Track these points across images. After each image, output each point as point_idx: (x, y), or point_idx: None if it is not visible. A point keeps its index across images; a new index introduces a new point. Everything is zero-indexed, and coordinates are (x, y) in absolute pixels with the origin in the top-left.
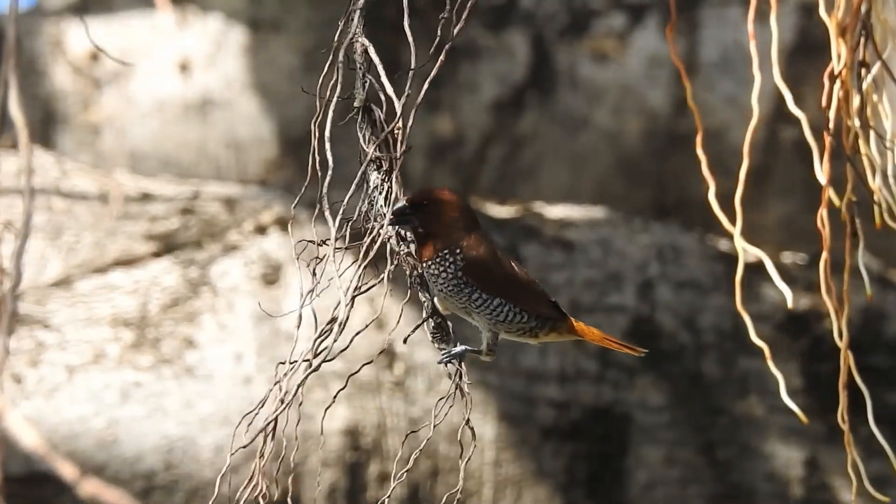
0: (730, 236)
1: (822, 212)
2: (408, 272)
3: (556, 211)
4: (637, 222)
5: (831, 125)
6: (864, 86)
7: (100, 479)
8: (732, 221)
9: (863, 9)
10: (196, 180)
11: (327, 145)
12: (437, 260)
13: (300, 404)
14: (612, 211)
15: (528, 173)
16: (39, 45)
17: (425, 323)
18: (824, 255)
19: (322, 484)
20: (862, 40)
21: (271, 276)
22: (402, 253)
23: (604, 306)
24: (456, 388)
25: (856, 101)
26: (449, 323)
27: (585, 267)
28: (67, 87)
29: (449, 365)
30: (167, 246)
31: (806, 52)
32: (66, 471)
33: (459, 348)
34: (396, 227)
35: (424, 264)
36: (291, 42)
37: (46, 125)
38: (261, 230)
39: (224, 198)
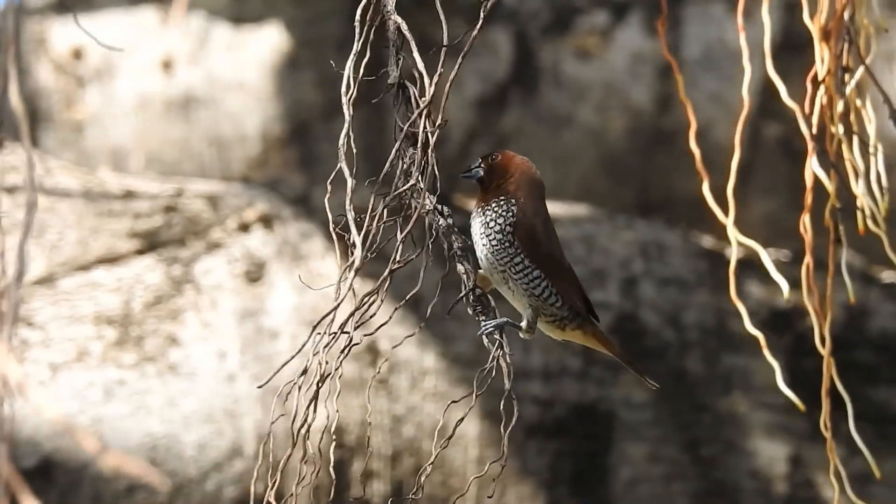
0: (714, 233)
1: (805, 218)
2: (446, 246)
3: None
4: (621, 219)
5: (814, 130)
6: (848, 91)
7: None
8: (720, 216)
9: (846, 14)
10: (179, 178)
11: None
12: (493, 206)
13: (340, 376)
14: (595, 208)
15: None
16: (22, 43)
17: (465, 297)
18: (807, 260)
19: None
20: (845, 45)
21: (255, 274)
22: (440, 226)
23: None
24: (496, 361)
25: (839, 106)
26: (489, 296)
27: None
28: (50, 84)
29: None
30: (150, 244)
31: (789, 50)
32: (88, 444)
33: (500, 320)
34: (464, 176)
35: (480, 210)
36: (275, 39)
37: (29, 123)
38: (244, 228)
39: (207, 195)
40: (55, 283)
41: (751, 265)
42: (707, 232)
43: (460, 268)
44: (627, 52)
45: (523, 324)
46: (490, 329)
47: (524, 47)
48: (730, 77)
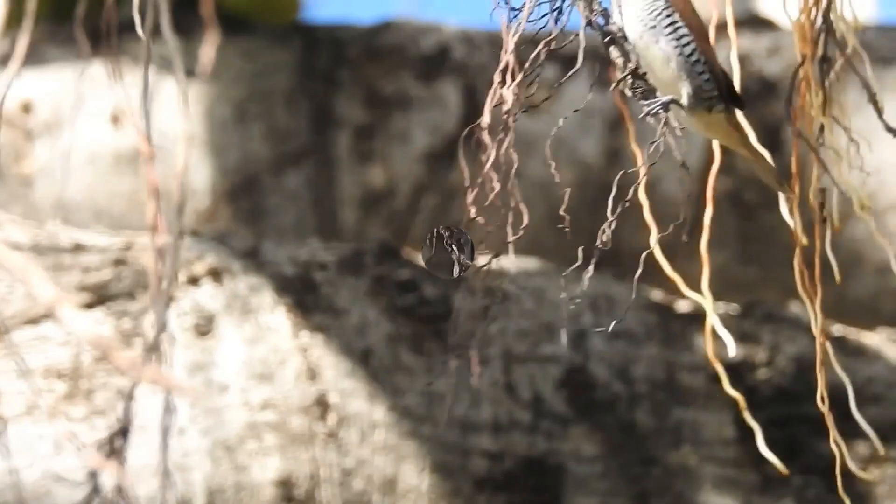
0: (663, 286)
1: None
2: (600, 33)
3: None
4: (569, 273)
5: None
6: (827, 83)
7: None
8: (669, 271)
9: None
10: (129, 231)
11: None
12: None
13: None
14: (544, 261)
15: (461, 224)
16: None
17: (624, 80)
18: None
19: None
20: (822, 36)
21: (204, 328)
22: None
23: (537, 356)
24: (663, 137)
25: (818, 98)
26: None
27: (518, 317)
28: None
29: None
30: (100, 297)
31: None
32: None
33: (664, 98)
34: None
35: None
36: (224, 93)
37: None
38: (193, 281)
39: (157, 249)
40: (4, 337)
41: (699, 319)
42: (656, 285)
43: (614, 52)
44: (576, 105)
45: (684, 100)
46: (655, 108)
47: (473, 101)
48: (679, 130)
